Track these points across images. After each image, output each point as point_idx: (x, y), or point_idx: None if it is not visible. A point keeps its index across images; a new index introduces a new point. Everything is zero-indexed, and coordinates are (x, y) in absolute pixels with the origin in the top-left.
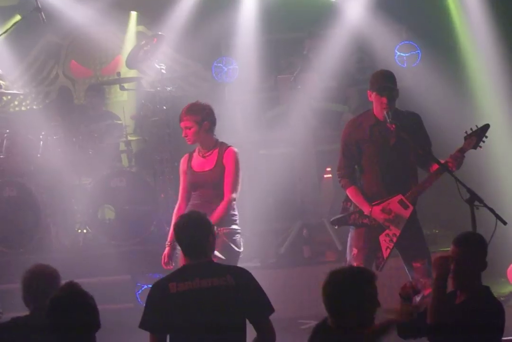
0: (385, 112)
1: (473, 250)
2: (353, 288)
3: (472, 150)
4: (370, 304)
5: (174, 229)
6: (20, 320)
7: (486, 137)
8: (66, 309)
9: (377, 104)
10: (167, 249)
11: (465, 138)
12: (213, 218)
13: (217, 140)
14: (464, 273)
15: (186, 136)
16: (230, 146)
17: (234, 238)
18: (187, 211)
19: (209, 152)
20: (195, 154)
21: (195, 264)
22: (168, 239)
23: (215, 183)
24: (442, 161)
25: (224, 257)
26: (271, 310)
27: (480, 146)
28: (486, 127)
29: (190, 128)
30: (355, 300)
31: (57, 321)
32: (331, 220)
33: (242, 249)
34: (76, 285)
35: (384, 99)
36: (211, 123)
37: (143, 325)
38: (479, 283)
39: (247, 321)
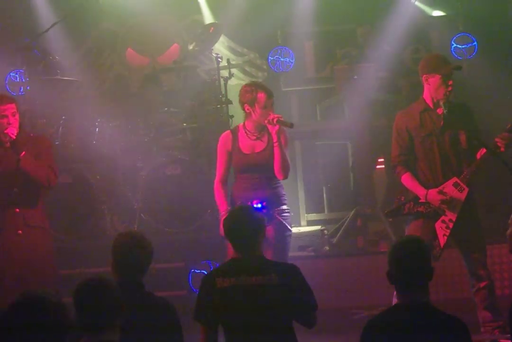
0: (441, 103)
1: None
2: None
3: None
4: None
5: (224, 224)
6: None
7: None
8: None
9: (438, 87)
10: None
11: None
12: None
13: None
14: None
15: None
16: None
17: (287, 217)
18: (237, 204)
19: (261, 134)
20: (241, 134)
21: (243, 259)
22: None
23: (269, 164)
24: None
25: (279, 237)
26: (315, 307)
27: None
28: None
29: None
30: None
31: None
32: (385, 212)
33: (292, 230)
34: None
35: (451, 81)
36: None
37: (196, 317)
38: None
39: None
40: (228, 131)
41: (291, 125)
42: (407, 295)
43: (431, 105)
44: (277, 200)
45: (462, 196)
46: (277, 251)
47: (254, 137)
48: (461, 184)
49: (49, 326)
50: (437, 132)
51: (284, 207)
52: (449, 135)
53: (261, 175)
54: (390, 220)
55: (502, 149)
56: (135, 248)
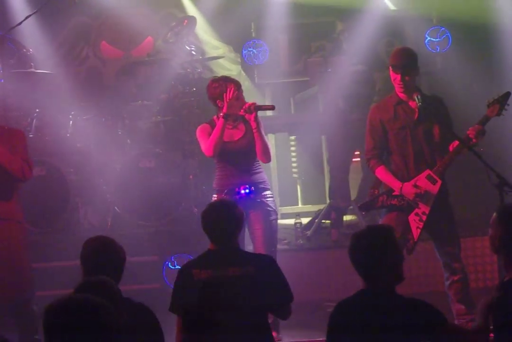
0: (414, 96)
1: None
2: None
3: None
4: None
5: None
6: None
7: (508, 105)
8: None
9: (392, 80)
10: None
11: (488, 106)
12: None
13: None
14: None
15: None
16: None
17: (271, 202)
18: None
19: (237, 122)
20: None
21: (220, 250)
22: None
23: (248, 151)
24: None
25: (267, 222)
26: (291, 299)
27: (503, 114)
28: (507, 94)
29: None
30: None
31: None
32: (359, 205)
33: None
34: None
35: (398, 76)
36: None
37: (172, 308)
38: None
39: None
40: (205, 123)
41: (272, 108)
42: (367, 283)
43: (404, 98)
44: (261, 185)
45: (435, 188)
46: (266, 236)
47: (231, 127)
48: (434, 176)
49: (98, 327)
50: (411, 125)
51: (268, 192)
52: (422, 128)
53: (241, 162)
54: (364, 213)
55: (474, 141)
56: (106, 253)
